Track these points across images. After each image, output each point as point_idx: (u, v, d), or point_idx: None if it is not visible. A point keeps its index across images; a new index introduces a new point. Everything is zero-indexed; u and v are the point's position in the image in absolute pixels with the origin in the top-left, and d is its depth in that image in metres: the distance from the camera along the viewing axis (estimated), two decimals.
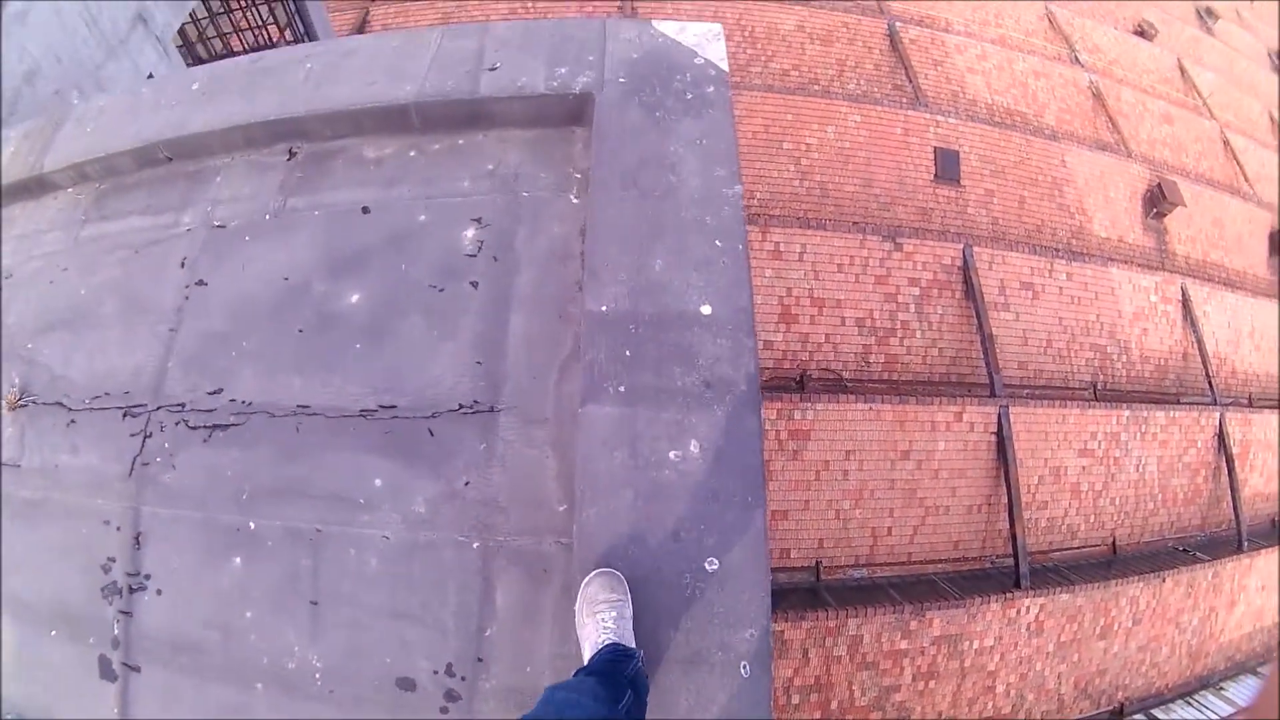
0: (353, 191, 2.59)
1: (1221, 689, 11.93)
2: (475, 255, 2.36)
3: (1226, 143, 14.24)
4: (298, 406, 2.29)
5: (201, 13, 3.88)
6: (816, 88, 10.83)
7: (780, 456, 8.88)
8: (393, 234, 2.45)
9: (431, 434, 2.19)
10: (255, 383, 2.37)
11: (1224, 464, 11.77)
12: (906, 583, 9.42)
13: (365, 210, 2.52)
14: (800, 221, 9.64)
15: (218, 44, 4.13)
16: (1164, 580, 10.65)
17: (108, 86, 3.54)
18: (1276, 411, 12.45)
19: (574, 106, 2.53)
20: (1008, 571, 9.64)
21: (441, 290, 2.33)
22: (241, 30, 4.17)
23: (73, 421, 2.49)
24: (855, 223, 9.86)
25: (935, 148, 10.50)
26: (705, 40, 2.61)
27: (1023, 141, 11.05)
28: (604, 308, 2.08)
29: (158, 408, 2.42)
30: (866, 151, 10.20)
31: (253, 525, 2.19)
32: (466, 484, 2.12)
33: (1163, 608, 10.87)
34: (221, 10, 4.01)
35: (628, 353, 2.02)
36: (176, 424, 2.37)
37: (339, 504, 2.17)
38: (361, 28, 12.54)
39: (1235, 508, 11.80)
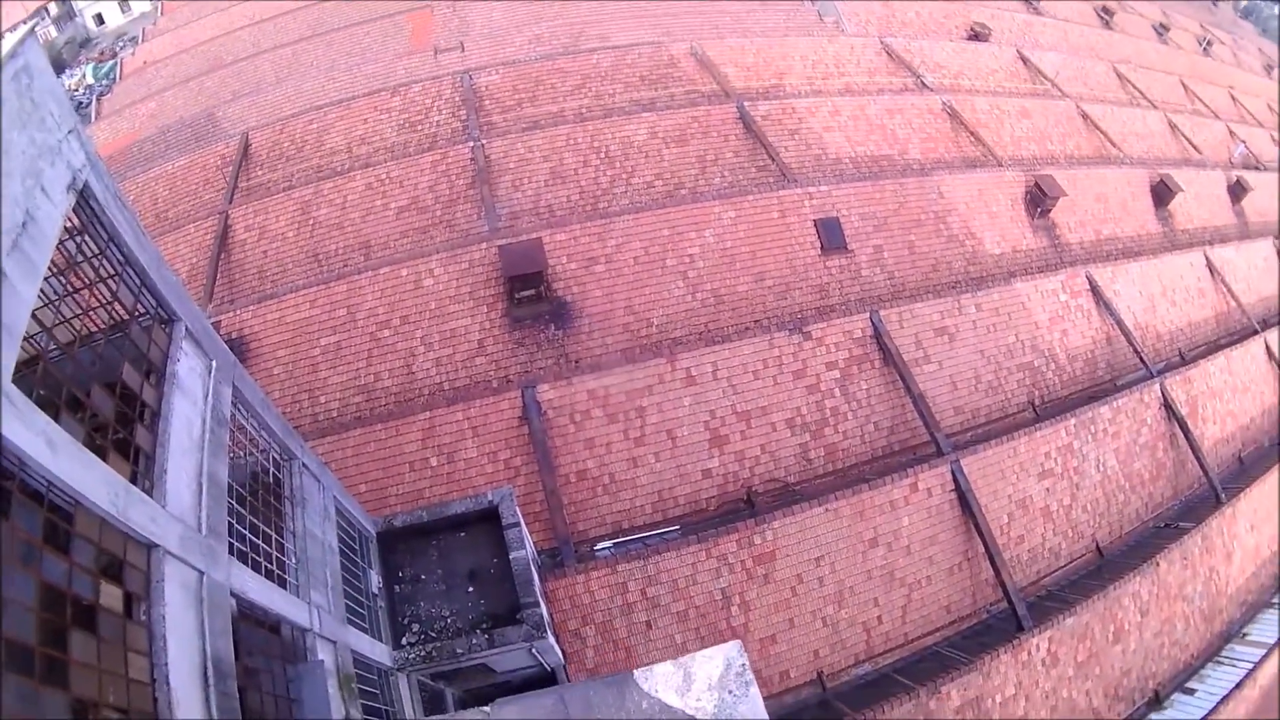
0: None
1: (1245, 635, 11.93)
2: None
3: (1085, 115, 14.69)
4: None
5: (44, 299, 3.58)
6: (684, 192, 10.82)
7: (751, 585, 8.62)
8: None
9: None
10: None
11: (1178, 429, 11.88)
12: (912, 664, 9.19)
13: None
14: (703, 338, 9.51)
15: (76, 324, 3.86)
16: (1158, 565, 10.59)
17: None
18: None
19: None
20: (1006, 616, 9.49)
21: None
22: (91, 310, 3.92)
23: None
24: (757, 321, 9.76)
25: (815, 220, 10.53)
26: (729, 695, 1.73)
27: (895, 186, 11.18)
28: None
29: None
30: (750, 245, 10.16)
31: None
32: None
33: (1164, 590, 10.79)
34: (65, 294, 3.76)
35: None
36: None
37: None
38: (224, 235, 12.21)
39: (1201, 464, 11.88)
